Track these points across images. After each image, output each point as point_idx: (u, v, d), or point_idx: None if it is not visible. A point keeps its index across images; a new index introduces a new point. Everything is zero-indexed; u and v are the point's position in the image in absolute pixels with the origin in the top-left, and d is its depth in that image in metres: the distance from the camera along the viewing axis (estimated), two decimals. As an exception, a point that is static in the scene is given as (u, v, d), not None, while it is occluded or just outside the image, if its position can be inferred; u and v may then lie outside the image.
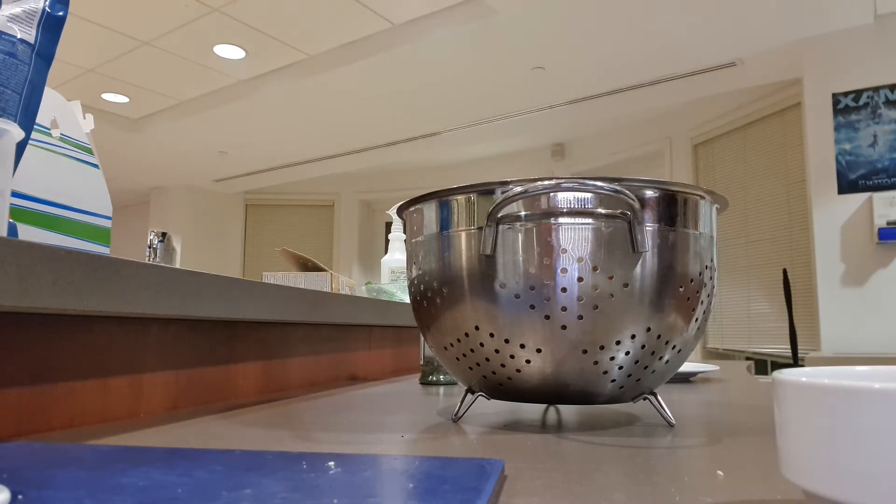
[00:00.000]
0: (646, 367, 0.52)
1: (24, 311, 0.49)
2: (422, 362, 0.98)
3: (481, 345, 0.52)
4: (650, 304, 0.50)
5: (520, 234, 0.50)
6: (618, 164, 4.78)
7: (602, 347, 0.50)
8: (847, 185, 2.90)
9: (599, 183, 0.48)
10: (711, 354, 4.05)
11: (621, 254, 0.49)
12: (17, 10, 0.55)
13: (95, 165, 0.70)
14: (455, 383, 0.96)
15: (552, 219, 0.49)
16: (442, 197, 0.55)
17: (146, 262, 0.56)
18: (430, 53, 3.32)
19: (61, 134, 0.67)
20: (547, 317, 0.49)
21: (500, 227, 0.51)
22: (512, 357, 0.51)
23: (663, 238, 0.51)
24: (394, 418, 0.60)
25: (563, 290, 0.49)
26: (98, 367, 0.57)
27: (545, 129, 4.51)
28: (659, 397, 0.55)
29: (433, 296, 0.55)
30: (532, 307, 0.49)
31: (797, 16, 2.87)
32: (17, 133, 0.46)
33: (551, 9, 2.87)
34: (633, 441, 0.48)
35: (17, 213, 0.60)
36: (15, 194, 0.60)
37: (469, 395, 0.57)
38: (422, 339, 1.08)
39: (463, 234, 0.53)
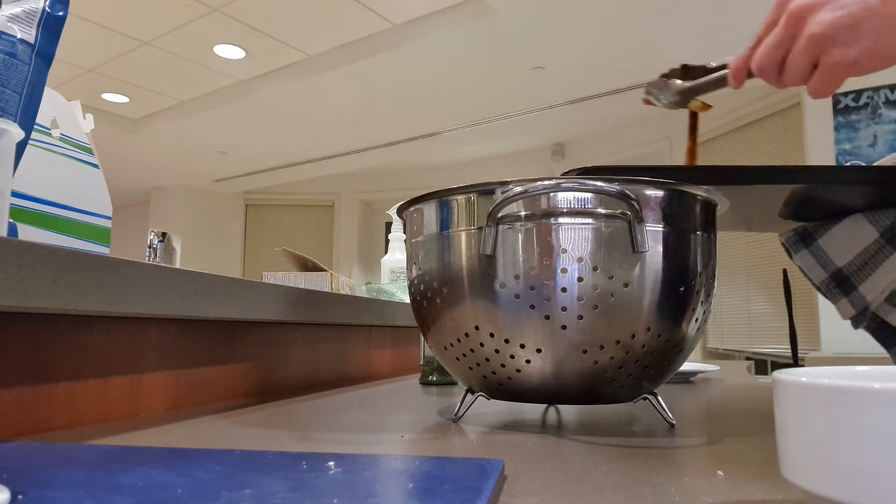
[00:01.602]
0: (646, 367, 0.52)
1: (24, 311, 0.49)
2: (422, 362, 0.98)
3: (481, 345, 0.52)
4: (650, 304, 0.50)
5: (520, 234, 0.50)
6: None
7: (602, 347, 0.50)
8: (847, 185, 2.90)
9: (599, 183, 0.48)
10: (711, 354, 4.05)
11: (621, 254, 0.49)
12: (17, 10, 0.55)
13: (95, 165, 0.70)
14: (455, 383, 0.96)
15: (552, 219, 0.49)
16: (442, 197, 0.55)
17: (146, 262, 0.56)
18: (430, 53, 3.32)
19: (61, 134, 0.67)
20: (547, 317, 0.49)
21: (500, 227, 0.51)
22: (512, 357, 0.51)
23: (663, 238, 0.51)
24: (394, 418, 0.60)
25: (563, 290, 0.49)
26: (98, 367, 0.57)
27: (545, 129, 4.51)
28: (659, 397, 0.55)
29: (433, 296, 0.55)
30: (532, 307, 0.49)
31: (797, 16, 2.87)
32: (17, 133, 0.46)
33: (551, 9, 2.87)
34: (633, 441, 0.48)
35: (17, 213, 0.60)
36: (15, 194, 0.60)
37: (469, 395, 0.57)
38: (422, 339, 1.08)
39: (463, 234, 0.53)
